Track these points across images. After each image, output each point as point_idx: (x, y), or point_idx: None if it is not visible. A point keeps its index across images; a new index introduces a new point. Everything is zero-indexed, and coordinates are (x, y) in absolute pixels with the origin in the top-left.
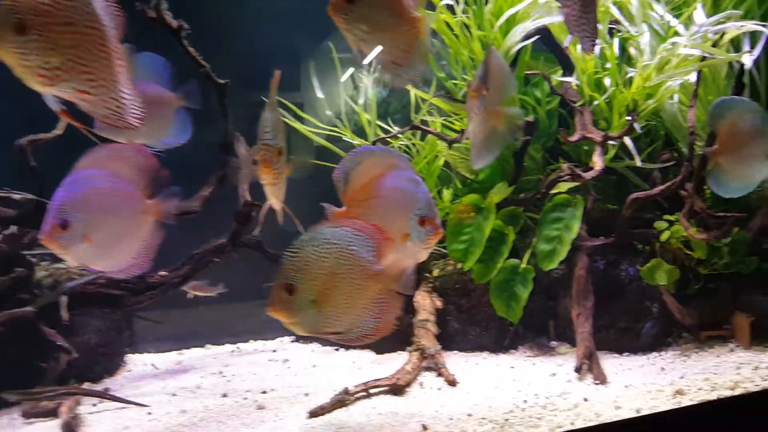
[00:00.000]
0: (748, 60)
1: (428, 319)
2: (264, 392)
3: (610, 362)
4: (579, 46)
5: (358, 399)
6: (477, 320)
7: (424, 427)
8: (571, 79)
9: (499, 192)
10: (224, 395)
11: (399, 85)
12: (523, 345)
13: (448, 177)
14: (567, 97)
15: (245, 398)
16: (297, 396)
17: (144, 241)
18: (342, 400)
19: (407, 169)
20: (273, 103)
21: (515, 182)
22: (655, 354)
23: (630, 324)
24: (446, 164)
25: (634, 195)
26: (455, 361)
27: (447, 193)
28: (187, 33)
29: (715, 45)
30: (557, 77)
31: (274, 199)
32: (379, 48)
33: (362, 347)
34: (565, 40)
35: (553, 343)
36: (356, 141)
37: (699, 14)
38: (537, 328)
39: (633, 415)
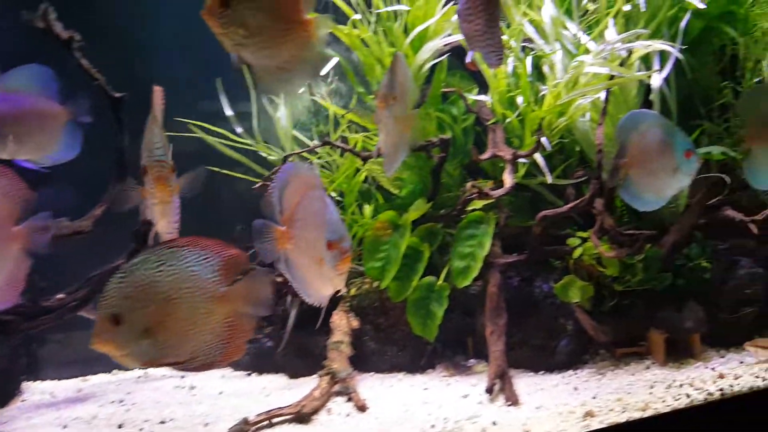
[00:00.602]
0: (656, 79)
1: (342, 340)
2: (162, 422)
3: (524, 381)
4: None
5: (260, 429)
6: (394, 339)
7: None
8: (485, 98)
9: (418, 208)
10: (120, 426)
11: (288, 91)
12: (441, 364)
13: (369, 192)
14: (480, 115)
15: (141, 429)
16: (196, 426)
17: (11, 271)
18: (241, 431)
19: (319, 189)
20: (156, 118)
21: (433, 199)
22: (570, 372)
23: (545, 341)
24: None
25: (543, 212)
26: (370, 383)
27: (368, 210)
28: (80, 44)
29: (623, 63)
30: (472, 95)
31: (164, 221)
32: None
33: (275, 371)
34: (467, 56)
35: (471, 362)
36: (273, 156)
37: (610, 32)
38: (456, 346)
39: None
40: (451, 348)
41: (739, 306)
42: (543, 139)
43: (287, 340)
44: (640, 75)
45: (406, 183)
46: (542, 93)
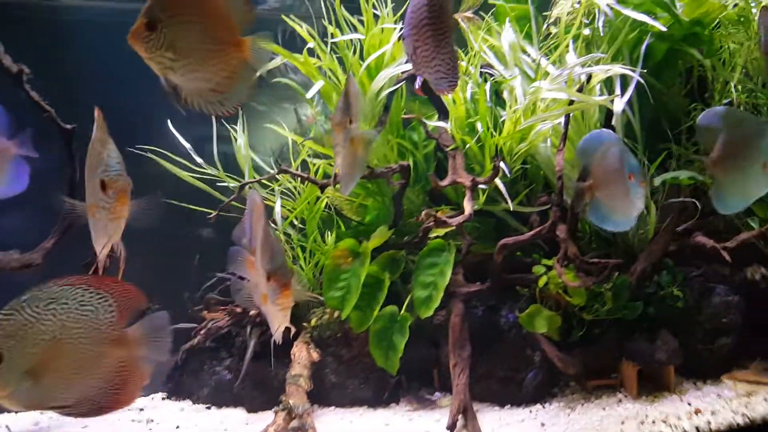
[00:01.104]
0: (618, 104)
1: (301, 374)
2: None
3: (489, 416)
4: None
5: None
6: (356, 372)
7: None
8: (445, 124)
9: (379, 236)
10: None
11: (221, 113)
12: (405, 397)
13: (332, 220)
14: (441, 141)
15: None
16: None
17: None
18: None
19: (261, 217)
20: (105, 135)
21: (395, 225)
22: (538, 406)
23: (510, 374)
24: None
25: (504, 240)
26: (329, 418)
27: (330, 238)
28: (29, 78)
29: (581, 88)
30: (433, 122)
31: (114, 237)
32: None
33: (234, 404)
34: (416, 83)
35: (437, 395)
36: (232, 183)
37: (570, 56)
38: (422, 378)
39: None
40: (417, 380)
41: (715, 336)
42: (502, 165)
43: (246, 372)
44: (599, 100)
45: (369, 210)
46: (502, 119)
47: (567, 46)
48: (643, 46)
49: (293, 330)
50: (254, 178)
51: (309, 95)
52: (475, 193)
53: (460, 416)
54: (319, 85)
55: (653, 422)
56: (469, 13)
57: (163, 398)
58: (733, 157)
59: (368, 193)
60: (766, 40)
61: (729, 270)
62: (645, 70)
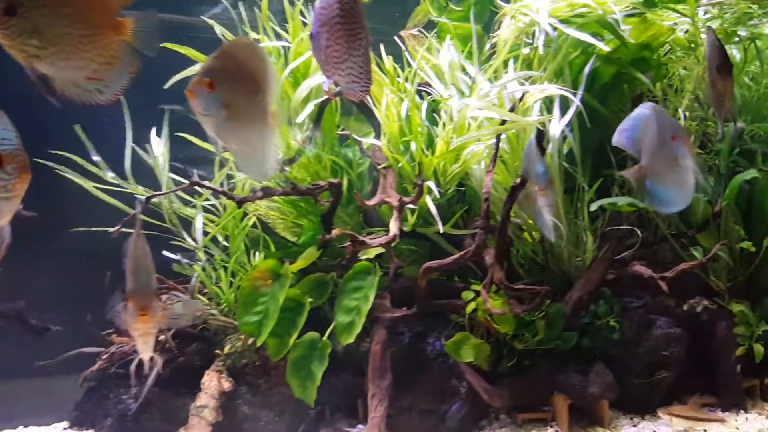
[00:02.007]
0: (555, 126)
1: (207, 405)
2: None
3: None
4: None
5: None
6: (273, 403)
7: None
8: (377, 142)
9: (306, 257)
10: None
11: (101, 102)
12: (324, 430)
13: (262, 239)
14: (374, 159)
15: None
16: None
17: None
18: None
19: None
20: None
21: (324, 246)
22: None
23: (434, 406)
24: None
25: (427, 264)
26: None
27: (259, 258)
28: None
29: (514, 108)
30: (368, 139)
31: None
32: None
33: None
34: (324, 85)
35: (359, 427)
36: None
37: (508, 76)
38: (347, 409)
39: None
40: (341, 411)
41: (654, 369)
42: (431, 186)
43: (152, 401)
44: (530, 120)
45: (304, 230)
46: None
47: (505, 64)
48: (587, 68)
49: (155, 359)
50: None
51: (299, 119)
52: (403, 214)
53: None
54: (309, 109)
55: None
56: (414, 31)
57: (65, 428)
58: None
59: (300, 213)
60: (710, 60)
61: (674, 302)
62: (589, 93)
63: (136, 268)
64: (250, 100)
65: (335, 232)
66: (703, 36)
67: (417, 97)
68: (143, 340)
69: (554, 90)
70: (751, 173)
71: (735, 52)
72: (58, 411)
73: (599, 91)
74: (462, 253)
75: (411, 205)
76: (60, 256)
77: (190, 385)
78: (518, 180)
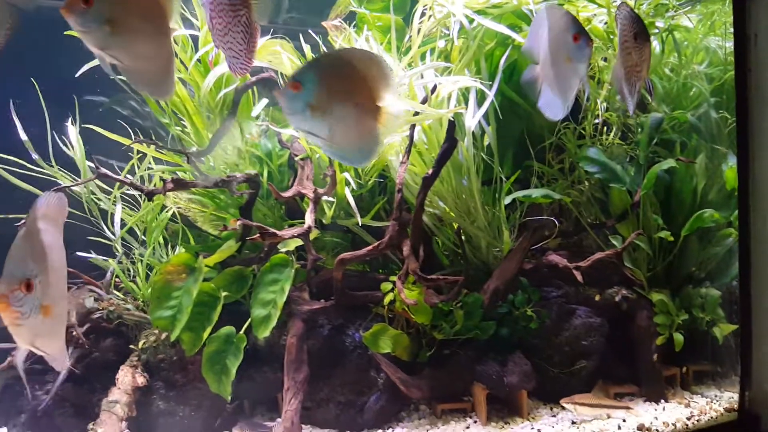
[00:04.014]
0: (470, 119)
1: (118, 400)
2: None
3: None
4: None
5: None
6: (189, 398)
7: None
8: (295, 133)
9: (224, 250)
10: None
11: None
12: (239, 424)
13: (181, 233)
14: (292, 150)
15: None
16: None
17: None
18: None
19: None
20: None
21: (243, 239)
22: None
23: (352, 397)
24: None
25: (341, 256)
26: None
27: (177, 252)
28: None
29: (425, 101)
30: (286, 130)
31: None
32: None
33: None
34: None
35: (278, 421)
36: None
37: (421, 67)
38: (269, 403)
39: None
40: (264, 405)
41: (575, 358)
42: (349, 178)
43: (63, 396)
44: (441, 112)
45: (227, 223)
46: None
47: (423, 56)
48: (502, 59)
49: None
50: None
51: (254, 113)
52: (319, 205)
53: None
54: (263, 103)
55: None
56: (336, 22)
57: None
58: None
59: (220, 206)
60: (625, 31)
61: (596, 292)
62: (508, 86)
63: (7, 256)
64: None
65: (232, 223)
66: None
67: None
68: (12, 331)
69: (468, 82)
70: (668, 163)
71: (654, 44)
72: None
73: (519, 83)
74: (375, 244)
75: (329, 197)
76: None
77: (105, 381)
78: (429, 171)
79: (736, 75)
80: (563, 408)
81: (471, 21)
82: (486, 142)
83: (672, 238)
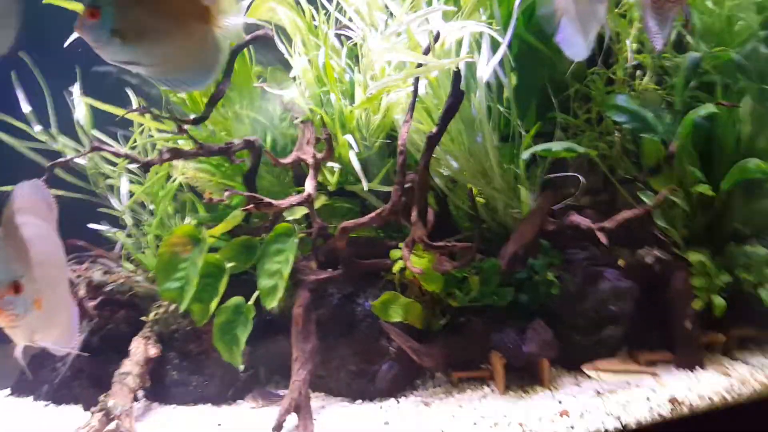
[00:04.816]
0: (485, 69)
1: (130, 371)
2: None
3: (335, 412)
4: None
5: None
6: (202, 368)
7: None
8: (292, 93)
9: (231, 220)
10: None
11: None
12: (251, 393)
13: (190, 203)
14: (292, 113)
15: None
16: None
17: None
18: None
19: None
20: None
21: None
22: (392, 401)
23: (364, 366)
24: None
25: (344, 224)
26: (161, 417)
27: (187, 222)
28: None
29: (427, 51)
30: (283, 91)
31: None
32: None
33: (74, 401)
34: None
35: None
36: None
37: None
38: (283, 371)
39: None
40: (278, 373)
41: (601, 325)
42: (351, 141)
43: (80, 368)
44: (445, 63)
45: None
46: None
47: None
48: (517, 1)
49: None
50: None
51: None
52: (319, 171)
53: (287, 416)
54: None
55: (509, 424)
56: None
57: (7, 395)
58: None
59: (226, 174)
60: None
61: (627, 251)
62: (527, 30)
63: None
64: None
65: (207, 195)
66: None
67: (337, 43)
68: (8, 332)
69: (475, 27)
70: (707, 108)
71: None
72: (4, 378)
73: (538, 27)
74: (378, 211)
75: (333, 163)
76: None
77: (120, 352)
78: (433, 130)
79: None
80: (589, 377)
81: None
82: (505, 94)
83: (712, 193)
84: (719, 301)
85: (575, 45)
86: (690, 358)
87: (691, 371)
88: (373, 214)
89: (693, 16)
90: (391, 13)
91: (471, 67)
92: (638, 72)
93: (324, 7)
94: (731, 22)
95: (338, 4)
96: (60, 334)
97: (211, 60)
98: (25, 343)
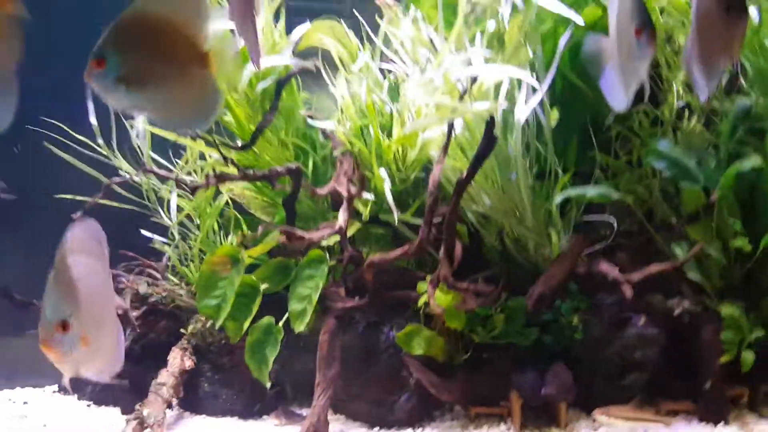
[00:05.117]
0: (521, 111)
1: (165, 382)
2: None
3: None
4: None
5: None
6: (233, 382)
7: None
8: (331, 125)
9: (267, 242)
10: None
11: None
12: (276, 410)
13: (234, 220)
14: (333, 143)
15: None
16: None
17: None
18: None
19: None
20: None
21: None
22: (409, 431)
23: (383, 396)
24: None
25: (370, 258)
26: (191, 427)
27: (231, 238)
28: None
29: (465, 93)
30: (323, 123)
31: None
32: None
33: (114, 404)
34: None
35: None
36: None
37: (475, 52)
38: (310, 390)
39: None
40: (304, 393)
41: (625, 371)
42: (384, 174)
43: (121, 374)
44: (478, 108)
45: (279, 209)
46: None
47: (471, 37)
48: (562, 40)
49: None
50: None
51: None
52: (352, 204)
53: None
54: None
55: None
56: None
57: (54, 392)
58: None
59: (269, 195)
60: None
61: (659, 298)
62: (570, 69)
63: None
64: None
65: (260, 228)
66: None
67: (380, 76)
68: (57, 366)
69: (515, 72)
70: (752, 160)
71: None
72: (52, 376)
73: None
74: (405, 248)
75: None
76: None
77: (159, 360)
78: (463, 174)
79: None
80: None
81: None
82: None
83: (749, 247)
84: (748, 356)
85: (617, 95)
86: (714, 412)
87: (714, 425)
88: (399, 252)
89: (744, 58)
90: (435, 47)
91: (511, 102)
92: (687, 112)
93: (370, 40)
94: None
95: (385, 36)
96: (105, 364)
97: (210, 103)
98: (71, 375)
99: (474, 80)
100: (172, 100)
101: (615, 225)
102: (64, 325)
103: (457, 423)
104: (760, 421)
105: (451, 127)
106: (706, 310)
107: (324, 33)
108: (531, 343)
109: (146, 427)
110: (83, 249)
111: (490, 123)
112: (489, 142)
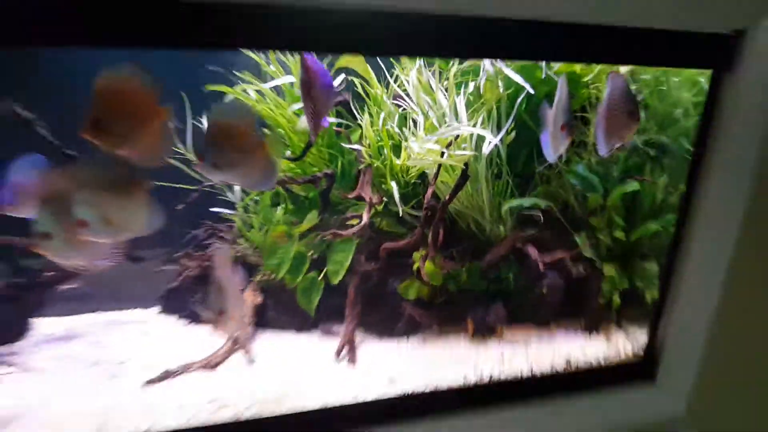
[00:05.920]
0: (487, 147)
1: (246, 314)
2: (122, 363)
3: (369, 343)
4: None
5: (178, 375)
6: (288, 310)
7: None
8: (357, 146)
9: (309, 222)
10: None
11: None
12: (320, 327)
13: (279, 195)
14: (358, 156)
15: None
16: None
17: None
18: (164, 377)
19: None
20: None
21: (322, 214)
22: (404, 339)
23: (389, 321)
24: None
25: (385, 244)
26: (264, 336)
27: (279, 212)
28: None
29: (450, 144)
30: (354, 142)
31: None
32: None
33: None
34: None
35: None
36: None
37: (460, 107)
38: (339, 316)
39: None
40: (338, 319)
41: (539, 307)
42: (394, 187)
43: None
44: (460, 155)
45: (312, 188)
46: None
47: (456, 85)
48: (518, 101)
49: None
50: None
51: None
52: (372, 207)
53: (345, 348)
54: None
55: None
56: None
57: (158, 312)
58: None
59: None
60: (617, 101)
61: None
62: (525, 111)
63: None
64: (239, 153)
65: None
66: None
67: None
68: (220, 331)
69: (474, 130)
70: (632, 186)
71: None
72: (157, 298)
73: (533, 108)
74: (408, 240)
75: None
76: None
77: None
78: (447, 197)
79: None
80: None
81: (497, 70)
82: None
83: (624, 237)
84: (617, 299)
85: (548, 152)
86: (590, 328)
87: (589, 334)
88: (404, 242)
89: (643, 94)
90: (435, 98)
91: (480, 141)
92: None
93: (386, 78)
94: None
95: (397, 77)
96: (239, 325)
97: (270, 172)
98: (228, 334)
99: (457, 137)
100: (246, 174)
101: (542, 219)
102: (221, 313)
103: (433, 336)
104: (618, 333)
105: (438, 168)
106: (594, 271)
107: (355, 66)
108: (482, 290)
109: (237, 343)
110: (223, 264)
111: (465, 168)
112: (463, 179)
